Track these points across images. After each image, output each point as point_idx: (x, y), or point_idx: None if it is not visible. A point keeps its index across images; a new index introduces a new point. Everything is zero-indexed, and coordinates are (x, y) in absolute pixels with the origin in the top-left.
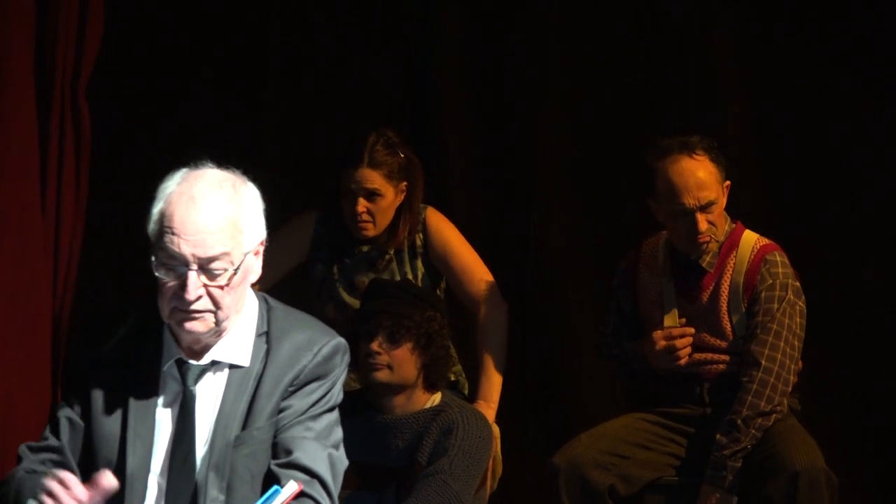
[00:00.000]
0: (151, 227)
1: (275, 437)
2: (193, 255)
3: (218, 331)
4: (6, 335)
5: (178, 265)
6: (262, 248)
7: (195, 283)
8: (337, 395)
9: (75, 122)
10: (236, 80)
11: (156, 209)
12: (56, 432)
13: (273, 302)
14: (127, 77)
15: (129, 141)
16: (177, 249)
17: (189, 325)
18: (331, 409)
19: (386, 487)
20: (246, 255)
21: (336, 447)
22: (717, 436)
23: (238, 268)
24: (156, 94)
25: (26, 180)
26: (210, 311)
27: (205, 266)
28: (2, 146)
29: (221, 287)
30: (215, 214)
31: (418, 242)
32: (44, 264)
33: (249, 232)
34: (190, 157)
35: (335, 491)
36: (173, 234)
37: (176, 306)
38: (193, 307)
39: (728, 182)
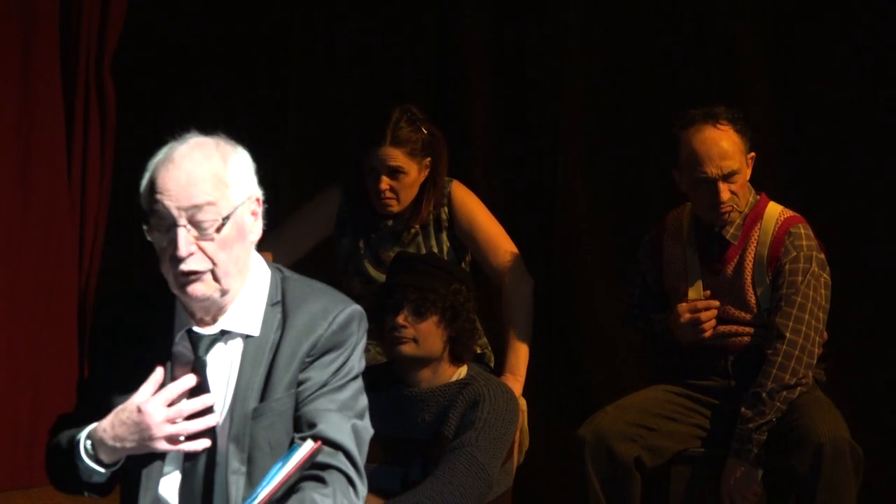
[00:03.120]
0: (141, 200)
1: (297, 410)
2: (178, 209)
3: (222, 291)
4: (32, 312)
5: (168, 225)
6: (258, 209)
7: (185, 237)
8: (358, 363)
9: (100, 98)
10: (260, 58)
11: (144, 180)
12: (84, 418)
13: (287, 272)
14: (152, 55)
15: (154, 117)
16: (163, 208)
17: (191, 288)
18: (354, 378)
19: (412, 461)
20: (236, 208)
21: (360, 416)
22: (742, 409)
23: (227, 219)
24: (180, 72)
25: (52, 157)
26: (208, 271)
27: (192, 219)
28: (28, 123)
29: (212, 240)
30: (195, 168)
31: (443, 216)
32: (70, 240)
33: (236, 186)
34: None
35: (360, 461)
36: (158, 193)
37: (174, 269)
38: (189, 266)
39: (752, 154)
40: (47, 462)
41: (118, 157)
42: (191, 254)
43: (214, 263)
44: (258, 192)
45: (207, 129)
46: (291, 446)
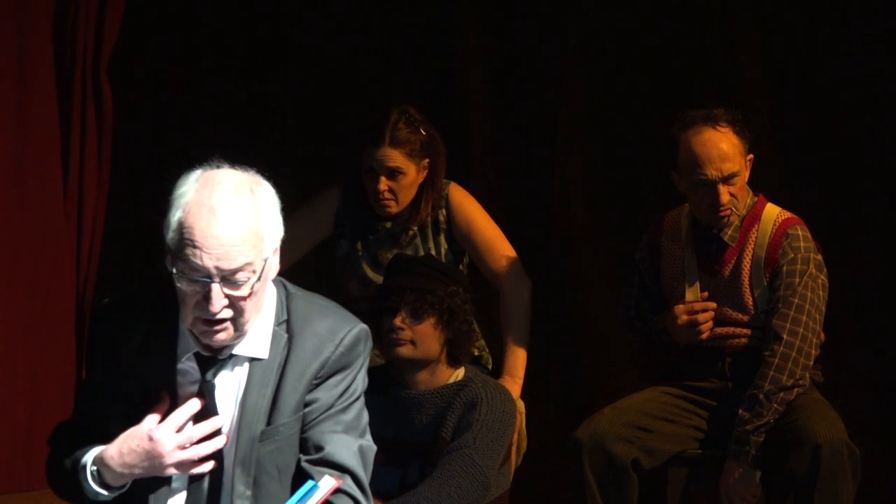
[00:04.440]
0: (170, 235)
1: (303, 431)
2: (217, 268)
3: (239, 335)
4: (30, 315)
5: (201, 277)
6: (278, 245)
7: (219, 295)
8: (362, 382)
9: (97, 102)
10: (259, 59)
11: (174, 217)
12: (86, 432)
13: (292, 288)
14: (149, 57)
15: (152, 119)
16: (200, 262)
17: (211, 339)
18: (358, 398)
19: (410, 463)
20: (266, 260)
21: (364, 434)
22: (740, 411)
23: (260, 275)
24: (178, 73)
25: (48, 159)
26: (232, 320)
27: (228, 277)
28: (24, 124)
29: (244, 294)
30: (237, 225)
31: (441, 218)
32: (67, 245)
33: (269, 236)
34: (210, 139)
35: (366, 482)
36: (195, 247)
37: (199, 316)
38: (217, 317)
39: (751, 155)
40: (50, 476)
41: (115, 159)
42: (222, 308)
43: (239, 313)
44: (282, 233)
45: (208, 129)
46: (305, 479)
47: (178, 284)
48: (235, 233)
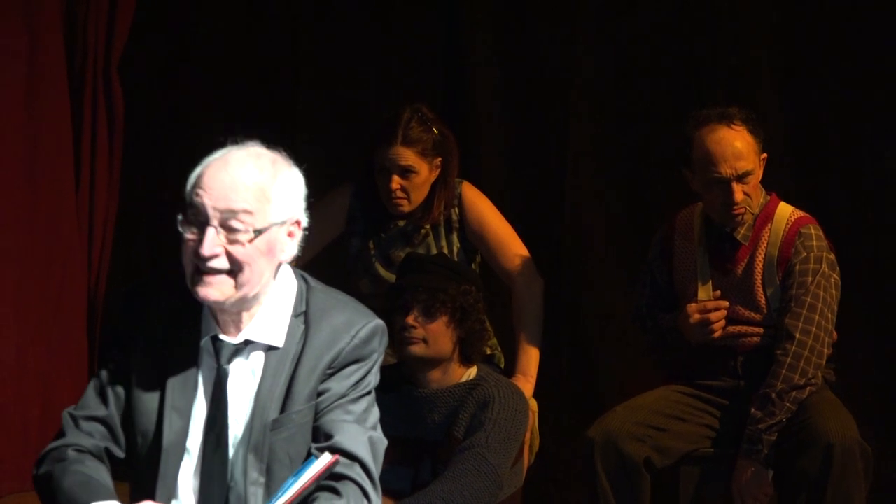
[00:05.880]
0: (186, 190)
1: (315, 420)
2: (214, 209)
3: (239, 299)
4: (41, 313)
5: (201, 221)
6: (297, 231)
7: (212, 238)
8: (374, 378)
9: (108, 101)
10: (268, 58)
11: (194, 173)
12: (103, 401)
13: (312, 282)
14: (160, 56)
15: (163, 119)
16: (199, 204)
17: (204, 290)
18: (368, 393)
19: (422, 462)
20: (272, 225)
21: (375, 428)
22: (752, 410)
23: (261, 232)
24: (188, 73)
25: (60, 158)
26: (227, 274)
27: (225, 223)
28: (35, 123)
29: (241, 244)
30: (243, 176)
31: (454, 217)
32: (78, 244)
33: (279, 204)
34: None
35: (376, 472)
36: (200, 188)
37: (195, 264)
38: (209, 264)
39: (765, 154)
40: (43, 483)
41: (126, 158)
42: (214, 255)
43: (235, 270)
44: (302, 217)
45: (217, 129)
46: (308, 458)
47: (181, 229)
48: (240, 180)
